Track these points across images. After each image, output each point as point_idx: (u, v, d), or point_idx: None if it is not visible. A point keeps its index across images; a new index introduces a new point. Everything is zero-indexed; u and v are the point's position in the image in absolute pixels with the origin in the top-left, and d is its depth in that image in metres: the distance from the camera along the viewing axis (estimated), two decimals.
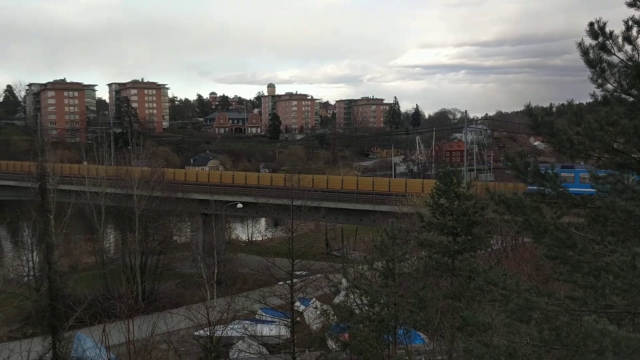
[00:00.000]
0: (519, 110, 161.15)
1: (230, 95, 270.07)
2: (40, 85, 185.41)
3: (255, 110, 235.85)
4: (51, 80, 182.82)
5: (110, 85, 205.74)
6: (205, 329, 24.86)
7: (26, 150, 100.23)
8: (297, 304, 31.98)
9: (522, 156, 11.27)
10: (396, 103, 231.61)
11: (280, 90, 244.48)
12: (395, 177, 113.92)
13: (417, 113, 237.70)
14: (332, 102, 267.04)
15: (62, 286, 37.37)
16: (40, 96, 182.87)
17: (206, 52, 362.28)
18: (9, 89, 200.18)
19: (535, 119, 10.82)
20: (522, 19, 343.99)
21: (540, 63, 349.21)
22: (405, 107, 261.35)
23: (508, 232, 40.46)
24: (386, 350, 20.96)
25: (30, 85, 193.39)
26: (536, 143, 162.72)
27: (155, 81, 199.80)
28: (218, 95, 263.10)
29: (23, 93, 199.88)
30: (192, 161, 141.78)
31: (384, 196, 55.89)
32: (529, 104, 11.13)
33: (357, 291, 22.82)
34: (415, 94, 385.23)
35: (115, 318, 22.64)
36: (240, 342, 33.74)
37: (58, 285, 33.67)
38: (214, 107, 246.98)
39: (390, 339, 21.37)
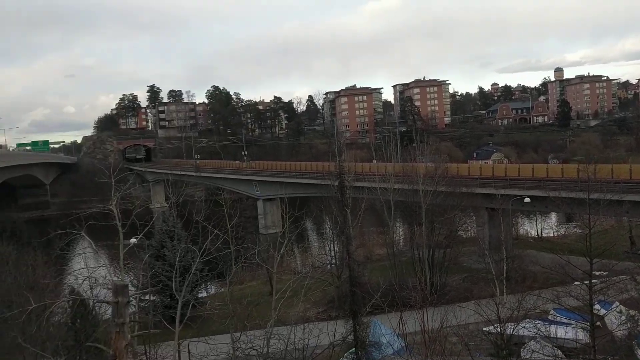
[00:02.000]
0: None
1: (513, 84, 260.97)
2: (335, 93, 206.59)
3: (541, 98, 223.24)
4: (343, 88, 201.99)
5: (394, 86, 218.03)
6: (495, 325, 24.56)
7: (325, 152, 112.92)
8: (597, 306, 29.41)
9: None
10: None
11: (568, 73, 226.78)
12: None
13: None
14: (633, 81, 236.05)
15: (360, 274, 40.87)
16: (335, 103, 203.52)
17: (487, 43, 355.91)
18: (310, 99, 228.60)
19: None
20: None
21: None
22: None
23: None
24: None
25: (326, 94, 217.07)
26: None
27: (436, 78, 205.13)
28: (500, 85, 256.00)
29: (321, 101, 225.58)
30: (474, 155, 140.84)
31: None
32: None
33: None
34: None
35: (410, 307, 23.91)
36: (533, 342, 32.33)
37: (356, 274, 36.85)
38: (495, 98, 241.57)
39: None
